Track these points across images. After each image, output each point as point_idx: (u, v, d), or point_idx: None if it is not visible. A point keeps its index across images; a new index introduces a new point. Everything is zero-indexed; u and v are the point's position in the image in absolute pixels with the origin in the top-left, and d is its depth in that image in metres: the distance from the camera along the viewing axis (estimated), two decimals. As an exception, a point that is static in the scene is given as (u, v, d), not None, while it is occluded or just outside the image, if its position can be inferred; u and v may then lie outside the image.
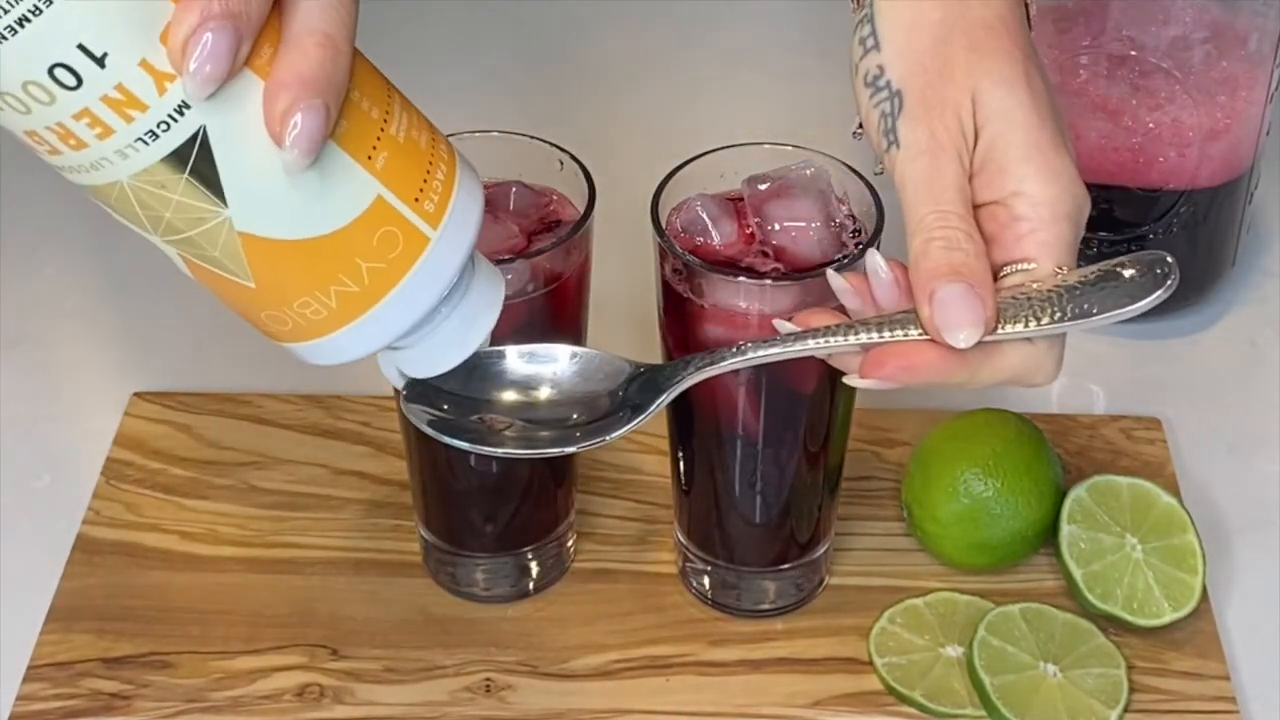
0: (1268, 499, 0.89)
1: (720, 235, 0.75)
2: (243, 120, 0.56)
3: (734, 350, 0.67)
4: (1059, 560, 0.82)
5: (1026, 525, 0.82)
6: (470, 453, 0.66)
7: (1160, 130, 0.91)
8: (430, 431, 0.65)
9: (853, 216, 0.76)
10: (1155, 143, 0.92)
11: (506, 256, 0.74)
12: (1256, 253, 1.03)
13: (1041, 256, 0.66)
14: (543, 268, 0.73)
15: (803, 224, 0.75)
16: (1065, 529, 0.82)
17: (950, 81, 0.67)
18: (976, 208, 0.67)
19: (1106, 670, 0.79)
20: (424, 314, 0.61)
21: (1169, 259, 0.65)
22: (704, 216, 0.75)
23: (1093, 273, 0.65)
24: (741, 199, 0.76)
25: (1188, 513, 0.82)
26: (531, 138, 0.78)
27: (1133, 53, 0.89)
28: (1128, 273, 0.65)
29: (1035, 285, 0.65)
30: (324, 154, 0.57)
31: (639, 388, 0.67)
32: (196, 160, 0.56)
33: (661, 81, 1.14)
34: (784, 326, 0.67)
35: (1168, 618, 0.80)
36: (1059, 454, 0.85)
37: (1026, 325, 0.64)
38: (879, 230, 0.73)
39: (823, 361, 0.75)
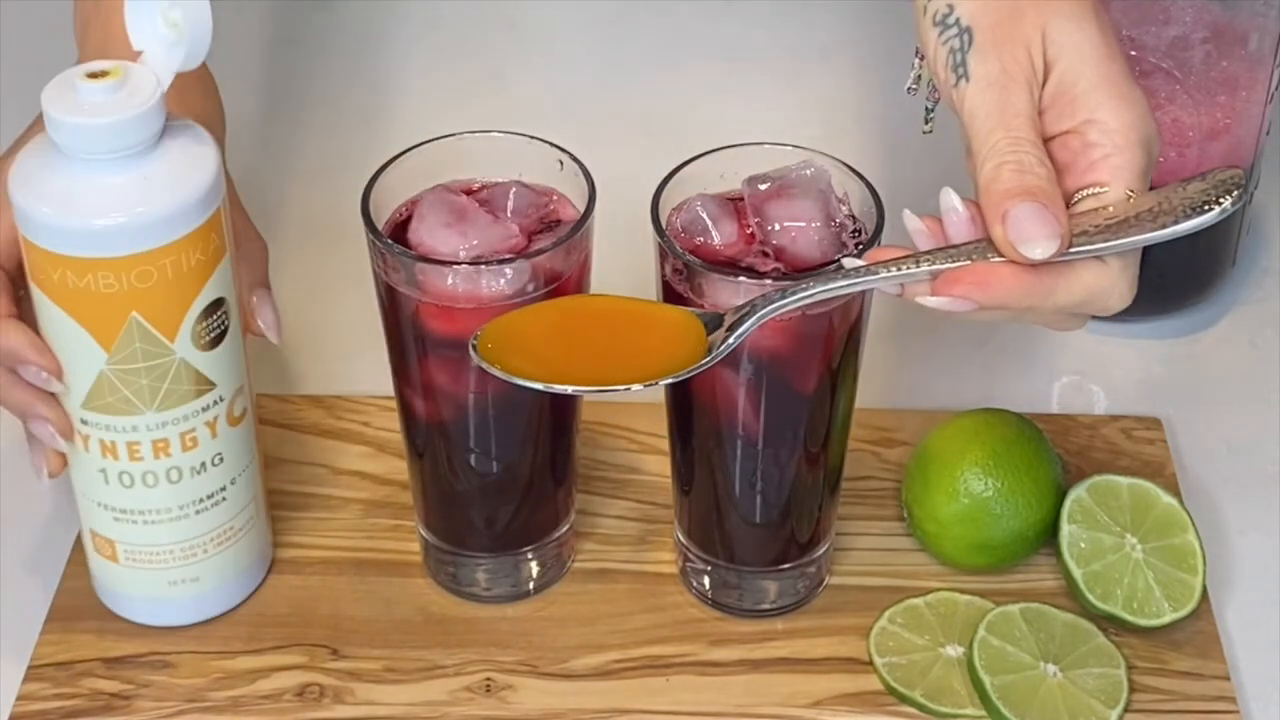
0: (1268, 499, 0.89)
1: (720, 235, 0.75)
2: None
3: (803, 285, 0.67)
4: (1059, 560, 0.82)
5: (1026, 525, 0.82)
6: (544, 392, 0.67)
7: (1160, 130, 0.91)
8: (498, 373, 0.66)
9: (853, 216, 0.76)
10: (1155, 143, 0.92)
11: (507, 256, 0.74)
12: (1256, 253, 1.03)
13: (1114, 181, 0.67)
14: (543, 268, 0.73)
15: (803, 224, 0.75)
16: (1065, 529, 0.82)
17: (1020, 18, 0.68)
18: (1048, 140, 0.68)
19: (1106, 670, 0.79)
20: None
21: (1238, 170, 0.65)
22: (704, 216, 0.75)
23: (1163, 192, 0.66)
24: (741, 199, 0.76)
25: (1188, 513, 0.82)
26: (531, 138, 0.78)
27: (1133, 53, 0.89)
28: (1196, 188, 0.66)
29: (1108, 208, 0.66)
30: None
31: (708, 331, 0.68)
32: None
33: (661, 81, 1.14)
34: (851, 263, 0.67)
35: (1168, 618, 0.80)
36: (1059, 454, 0.85)
37: (1100, 242, 0.64)
38: (879, 230, 0.73)
39: (823, 361, 0.75)
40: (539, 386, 0.67)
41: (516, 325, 0.69)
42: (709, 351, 0.68)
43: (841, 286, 0.67)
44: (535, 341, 0.69)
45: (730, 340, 0.67)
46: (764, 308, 0.68)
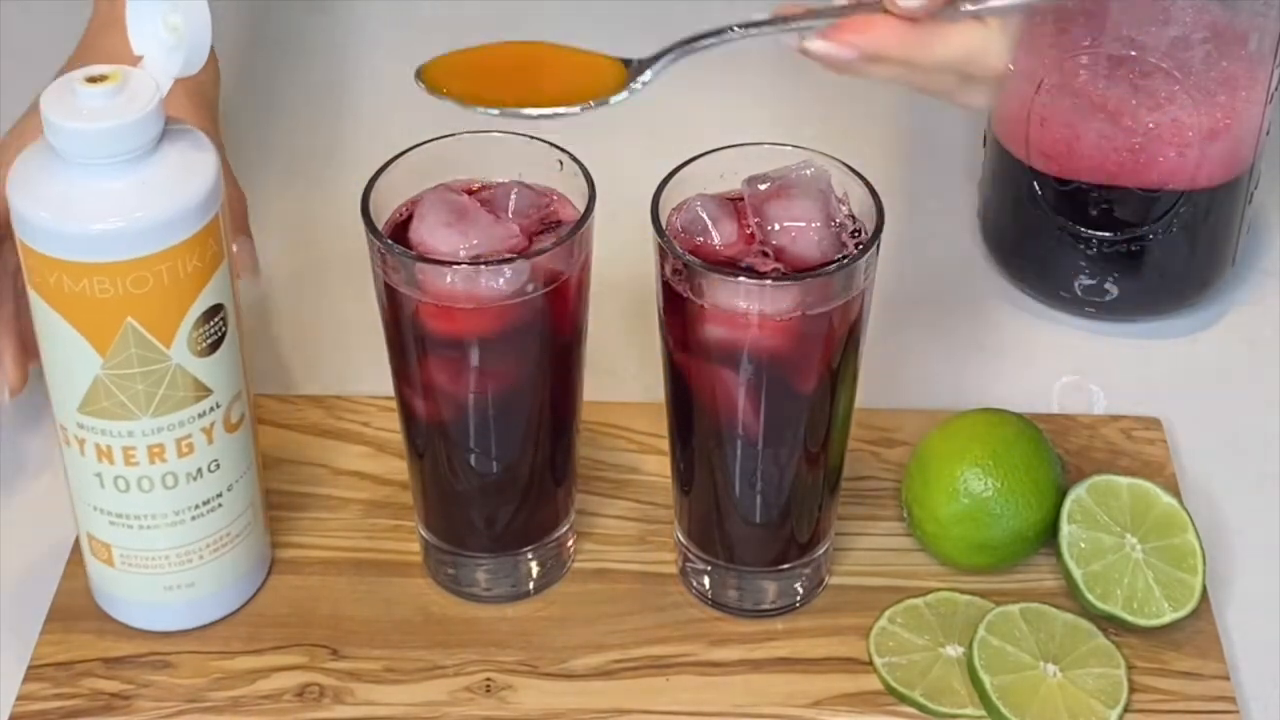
0: (1268, 499, 0.89)
1: (720, 235, 0.75)
2: None
3: (721, 30, 0.73)
4: (1059, 560, 0.82)
5: (1026, 525, 0.82)
6: (498, 116, 0.72)
7: (1160, 130, 0.91)
8: (444, 99, 0.72)
9: (853, 216, 0.76)
10: (1155, 143, 0.91)
11: (507, 256, 0.74)
12: (1256, 253, 1.03)
13: None
14: (543, 268, 0.73)
15: (803, 224, 0.75)
16: (1065, 529, 0.82)
17: None
18: None
19: (1106, 670, 0.79)
20: None
21: None
22: (704, 216, 0.75)
23: None
24: (741, 199, 0.76)
25: (1188, 513, 0.82)
26: (531, 138, 0.78)
27: (1133, 53, 0.89)
28: None
29: None
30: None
31: (630, 75, 0.75)
32: None
33: (662, 81, 1.14)
34: (758, 16, 0.73)
35: (1168, 618, 0.80)
36: (1059, 454, 0.85)
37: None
38: (879, 230, 0.73)
39: (823, 361, 0.75)
40: (479, 109, 0.71)
41: (459, 62, 0.75)
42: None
43: (749, 30, 0.73)
44: (476, 79, 0.73)
45: (647, 76, 0.74)
46: (680, 48, 0.74)
